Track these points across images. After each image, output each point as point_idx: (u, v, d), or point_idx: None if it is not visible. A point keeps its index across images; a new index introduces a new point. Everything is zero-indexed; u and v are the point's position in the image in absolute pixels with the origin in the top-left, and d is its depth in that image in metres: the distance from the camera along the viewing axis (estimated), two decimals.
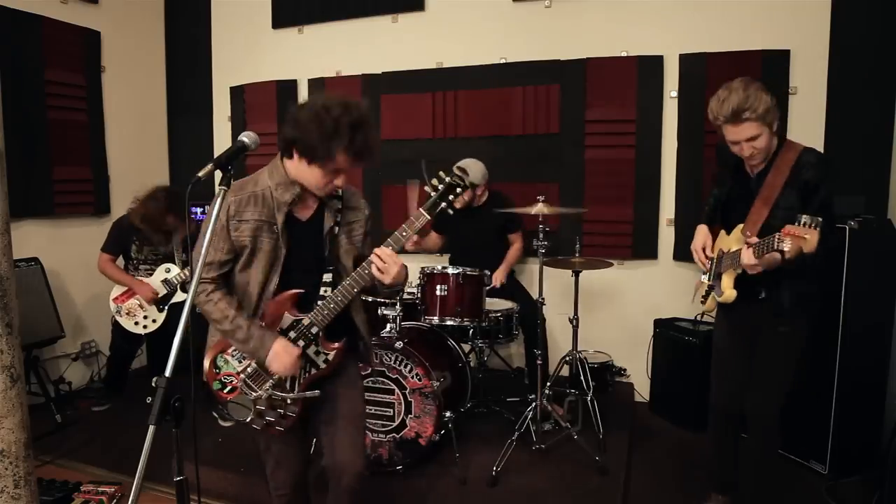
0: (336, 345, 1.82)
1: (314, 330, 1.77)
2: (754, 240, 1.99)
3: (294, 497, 1.96)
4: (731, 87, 2.03)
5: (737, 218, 2.20)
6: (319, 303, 1.77)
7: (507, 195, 3.53)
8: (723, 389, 2.38)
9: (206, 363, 1.86)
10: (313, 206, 1.82)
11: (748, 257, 2.00)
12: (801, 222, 1.77)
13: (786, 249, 1.81)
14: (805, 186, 2.03)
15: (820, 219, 1.76)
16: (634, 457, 2.98)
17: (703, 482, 2.57)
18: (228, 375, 1.83)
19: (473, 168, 3.31)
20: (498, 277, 3.36)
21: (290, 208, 1.76)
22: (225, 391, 1.83)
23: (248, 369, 1.81)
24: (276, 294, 1.78)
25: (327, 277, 1.80)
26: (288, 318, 1.78)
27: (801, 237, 1.76)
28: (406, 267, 1.75)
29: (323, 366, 1.82)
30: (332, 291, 1.78)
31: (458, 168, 3.30)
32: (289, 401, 1.81)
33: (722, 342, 2.40)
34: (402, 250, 1.79)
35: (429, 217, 1.72)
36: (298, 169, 1.71)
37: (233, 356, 1.83)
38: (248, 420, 1.82)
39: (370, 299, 2.77)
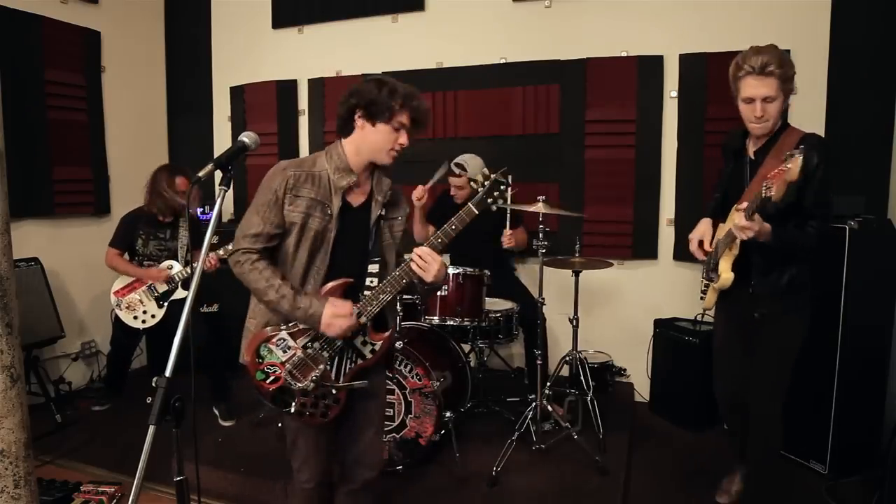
0: (385, 334, 1.83)
1: (363, 320, 1.76)
2: (744, 204, 1.99)
3: (319, 489, 1.95)
4: (762, 46, 2.06)
5: (733, 202, 2.20)
6: (367, 293, 1.78)
7: None
8: (724, 387, 2.39)
9: (248, 352, 1.79)
10: (364, 194, 1.86)
11: (739, 218, 1.97)
12: (783, 159, 1.80)
13: (772, 194, 1.81)
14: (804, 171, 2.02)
15: (802, 147, 1.79)
16: (634, 457, 2.98)
17: (703, 481, 2.57)
18: (272, 366, 1.77)
19: (472, 163, 3.32)
20: (507, 235, 3.22)
21: (344, 194, 1.80)
22: (268, 381, 1.77)
23: (294, 359, 1.77)
24: (326, 277, 1.77)
25: (373, 268, 1.82)
26: None
27: (781, 172, 1.77)
28: (445, 265, 1.78)
29: (369, 356, 1.82)
30: (378, 283, 1.79)
31: (456, 164, 3.30)
32: (334, 391, 1.78)
33: (720, 340, 2.40)
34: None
35: (476, 212, 1.76)
36: (363, 137, 1.77)
37: (277, 345, 1.77)
38: (291, 411, 1.77)
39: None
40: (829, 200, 2.08)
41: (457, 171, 3.31)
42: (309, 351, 1.77)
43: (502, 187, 1.78)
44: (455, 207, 3.41)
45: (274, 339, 1.77)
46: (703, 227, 2.33)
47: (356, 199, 1.84)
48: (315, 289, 1.77)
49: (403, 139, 1.78)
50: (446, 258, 3.81)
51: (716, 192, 2.42)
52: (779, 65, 2.01)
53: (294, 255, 1.77)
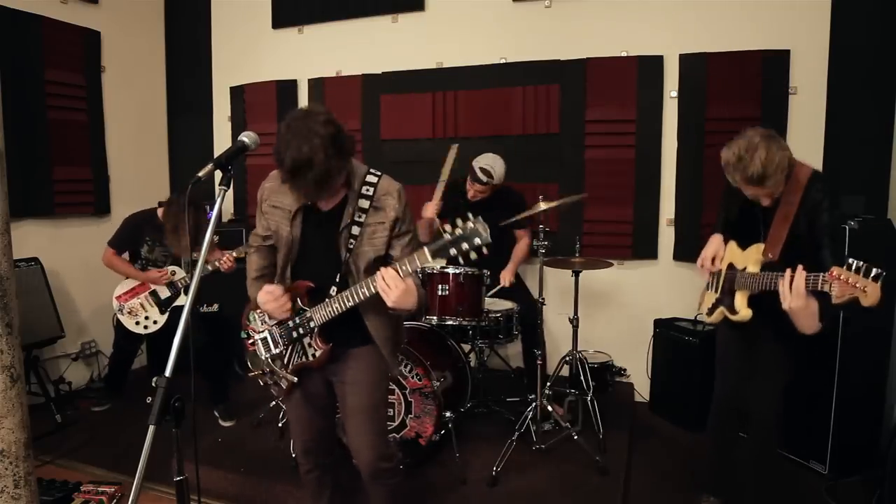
0: (324, 346, 1.84)
1: (312, 324, 1.83)
2: (787, 273, 1.87)
3: (311, 469, 2.06)
4: (750, 146, 1.96)
5: (749, 233, 2.19)
6: (326, 300, 1.79)
7: (514, 190, 3.49)
8: (724, 386, 2.39)
9: (244, 314, 2.03)
10: (337, 198, 1.80)
11: (785, 291, 1.85)
12: (854, 268, 1.66)
13: (834, 293, 1.70)
14: (813, 206, 2.03)
15: (880, 271, 1.62)
16: (634, 457, 2.98)
17: (701, 483, 2.57)
18: (253, 331, 2.00)
19: (498, 170, 3.25)
20: (506, 277, 3.30)
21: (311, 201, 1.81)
22: (249, 342, 2.02)
23: (263, 332, 1.96)
24: (292, 281, 1.88)
25: (338, 276, 1.79)
26: (298, 305, 1.86)
27: (854, 286, 1.65)
28: (419, 296, 1.70)
29: (311, 359, 1.87)
30: (339, 292, 1.78)
31: (482, 170, 3.22)
32: (281, 373, 1.92)
33: (724, 339, 2.40)
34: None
35: (430, 260, 1.61)
36: None
37: (259, 316, 1.97)
38: (256, 374, 2.01)
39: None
40: (838, 228, 2.10)
41: (483, 178, 3.22)
42: (273, 331, 1.93)
43: (476, 240, 1.56)
44: (466, 204, 3.41)
45: (259, 310, 1.95)
46: (715, 245, 2.32)
47: (326, 205, 1.81)
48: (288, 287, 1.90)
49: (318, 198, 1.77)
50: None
51: (720, 211, 2.41)
52: (772, 172, 1.95)
53: (277, 257, 1.92)
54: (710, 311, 2.33)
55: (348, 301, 1.74)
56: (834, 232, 2.07)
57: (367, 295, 1.71)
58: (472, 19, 3.98)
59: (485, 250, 1.57)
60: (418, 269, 1.66)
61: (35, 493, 2.01)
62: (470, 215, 1.59)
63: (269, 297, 1.81)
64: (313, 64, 4.40)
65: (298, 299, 1.85)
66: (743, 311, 2.13)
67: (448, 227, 1.60)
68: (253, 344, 1.99)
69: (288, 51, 4.50)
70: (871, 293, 1.64)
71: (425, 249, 1.61)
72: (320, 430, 2.04)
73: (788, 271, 1.87)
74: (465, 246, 1.57)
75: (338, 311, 1.77)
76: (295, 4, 4.42)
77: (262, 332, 1.95)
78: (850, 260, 1.68)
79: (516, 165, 3.88)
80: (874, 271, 1.64)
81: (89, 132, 4.12)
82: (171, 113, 4.85)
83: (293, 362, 1.90)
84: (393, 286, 1.63)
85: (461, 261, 1.61)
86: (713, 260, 2.30)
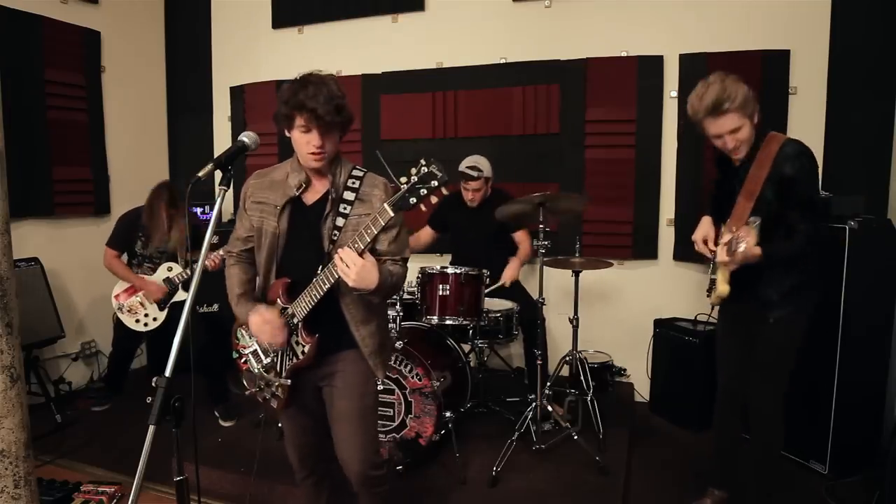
0: (310, 338, 1.79)
1: (295, 320, 1.80)
2: (727, 237, 2.06)
3: (307, 475, 2.04)
4: (707, 82, 2.08)
5: (728, 211, 2.21)
6: (304, 292, 1.77)
7: (507, 193, 3.51)
8: (725, 379, 2.40)
9: (232, 334, 1.99)
10: (320, 191, 1.82)
11: (721, 254, 2.06)
12: (748, 222, 1.88)
13: (740, 250, 1.90)
14: (781, 181, 2.03)
15: (759, 219, 1.87)
16: (634, 457, 2.98)
17: (703, 481, 2.57)
18: (243, 348, 1.95)
19: (479, 160, 3.31)
20: (507, 275, 3.28)
21: (298, 193, 1.80)
22: (241, 361, 1.97)
23: (253, 346, 1.92)
24: (276, 278, 1.85)
25: (321, 269, 1.76)
26: (279, 304, 1.83)
27: (737, 247, 1.87)
28: (380, 272, 1.65)
29: (301, 356, 1.81)
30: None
31: (471, 168, 3.24)
32: (277, 383, 1.87)
33: (723, 332, 2.41)
34: (373, 250, 1.71)
35: (391, 213, 1.60)
36: (293, 144, 1.77)
37: (245, 332, 1.93)
38: (252, 392, 1.95)
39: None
40: (814, 203, 2.07)
41: (474, 174, 3.25)
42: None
43: (433, 182, 1.56)
44: (461, 211, 3.44)
45: (245, 326, 1.92)
46: (705, 226, 2.32)
47: (311, 198, 1.82)
48: (269, 287, 1.87)
49: (315, 140, 1.69)
50: (446, 258, 3.81)
51: (710, 195, 2.44)
52: (730, 98, 2.00)
53: (259, 259, 1.88)
54: (709, 293, 2.31)
55: (322, 286, 1.71)
56: (811, 210, 2.04)
57: (331, 282, 1.70)
58: (472, 19, 3.98)
59: (444, 190, 1.57)
60: (381, 226, 1.62)
61: (35, 493, 2.01)
62: (422, 160, 1.59)
63: (267, 327, 1.76)
64: (313, 64, 4.30)
65: (278, 299, 1.82)
66: (720, 287, 2.14)
67: (403, 178, 1.61)
68: (245, 362, 1.94)
69: (288, 51, 4.50)
70: (750, 241, 1.96)
71: (385, 205, 1.61)
72: (315, 437, 2.00)
73: (719, 247, 2.11)
74: (423, 191, 1.57)
75: (315, 298, 1.73)
76: (295, 4, 4.42)
77: (251, 345, 1.91)
78: (751, 218, 1.96)
79: (516, 165, 3.89)
80: (756, 222, 1.95)
81: (89, 132, 4.12)
82: (171, 113, 4.85)
83: (285, 367, 1.85)
84: (350, 263, 1.60)
85: (422, 206, 1.61)
86: (706, 242, 2.30)
